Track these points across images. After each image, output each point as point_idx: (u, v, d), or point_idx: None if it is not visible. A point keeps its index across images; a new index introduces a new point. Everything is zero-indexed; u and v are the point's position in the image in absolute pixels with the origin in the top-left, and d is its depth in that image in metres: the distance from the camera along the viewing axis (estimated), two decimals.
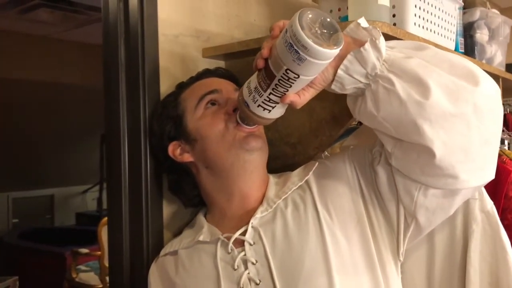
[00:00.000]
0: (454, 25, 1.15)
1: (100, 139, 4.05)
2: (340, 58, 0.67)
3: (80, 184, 4.64)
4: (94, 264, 3.22)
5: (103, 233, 2.90)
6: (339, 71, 0.68)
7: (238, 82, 0.91)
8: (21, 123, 4.16)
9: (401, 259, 0.80)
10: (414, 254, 0.92)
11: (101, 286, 3.03)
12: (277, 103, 0.71)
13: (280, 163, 0.97)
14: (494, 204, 0.92)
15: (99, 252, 2.99)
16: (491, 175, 0.69)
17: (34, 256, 3.52)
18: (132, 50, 0.97)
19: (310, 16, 0.62)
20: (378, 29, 0.67)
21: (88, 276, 3.18)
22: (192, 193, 0.91)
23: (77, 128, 4.48)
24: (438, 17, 1.07)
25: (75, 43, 4.26)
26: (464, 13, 1.30)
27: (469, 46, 1.34)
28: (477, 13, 1.33)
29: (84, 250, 3.14)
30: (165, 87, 0.98)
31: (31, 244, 3.66)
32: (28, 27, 3.88)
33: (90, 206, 4.69)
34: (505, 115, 1.82)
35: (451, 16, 1.13)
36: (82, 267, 3.23)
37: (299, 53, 0.61)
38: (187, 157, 0.87)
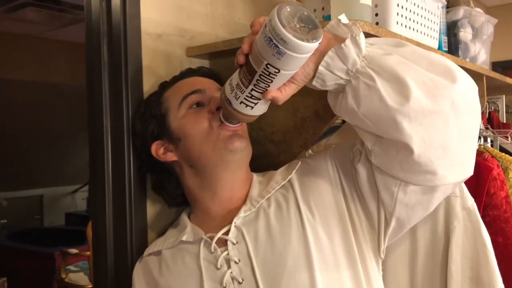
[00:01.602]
0: (437, 24, 1.16)
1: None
2: (321, 54, 0.67)
3: (70, 184, 4.61)
4: (84, 264, 3.21)
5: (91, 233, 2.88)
6: (320, 67, 0.68)
7: (222, 81, 0.91)
8: (8, 123, 4.12)
9: (382, 256, 0.81)
10: (397, 250, 0.93)
11: (90, 286, 3.01)
12: (259, 99, 0.71)
13: (264, 162, 0.97)
14: (476, 201, 0.93)
15: (89, 253, 2.98)
16: (470, 171, 0.70)
17: (23, 256, 3.48)
18: (115, 49, 0.96)
19: (288, 10, 0.63)
20: (358, 25, 0.68)
21: (78, 276, 3.16)
22: (176, 193, 0.91)
23: (66, 127, 4.45)
24: (421, 16, 1.08)
25: (62, 42, 4.23)
26: (447, 11, 1.31)
27: (453, 45, 1.35)
28: (460, 11, 1.35)
29: (74, 251, 3.11)
30: (149, 86, 0.98)
31: (20, 245, 3.63)
32: (15, 26, 3.84)
33: (80, 206, 4.66)
34: (489, 113, 1.84)
35: (434, 15, 1.14)
36: (72, 268, 3.21)
37: (278, 47, 0.62)
38: (171, 157, 0.87)
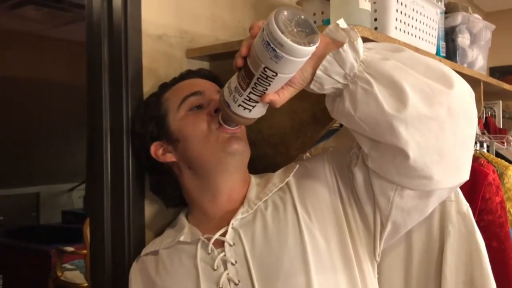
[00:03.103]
0: (435, 30, 1.17)
1: (87, 137, 3.99)
2: (319, 59, 0.68)
3: (67, 182, 4.60)
4: (80, 262, 3.20)
5: (89, 232, 2.88)
6: (318, 71, 0.69)
7: (221, 83, 0.91)
8: (6, 120, 4.12)
9: (378, 259, 0.81)
10: (392, 253, 0.94)
11: (86, 284, 3.01)
12: (257, 102, 0.72)
13: (262, 164, 0.98)
14: (471, 205, 0.94)
15: (85, 251, 2.97)
16: (465, 176, 0.71)
17: (19, 254, 3.47)
18: (115, 49, 0.96)
19: (286, 14, 0.63)
20: (356, 30, 0.69)
21: (74, 274, 3.15)
22: (174, 194, 0.91)
23: (64, 125, 4.44)
24: (420, 22, 1.09)
25: (62, 40, 4.22)
26: (446, 17, 1.32)
27: (451, 50, 1.36)
28: (459, 17, 1.36)
29: (70, 249, 3.11)
30: (148, 87, 0.98)
31: (16, 242, 3.62)
32: (15, 24, 3.84)
33: (77, 204, 4.65)
34: (486, 118, 1.85)
35: (433, 21, 1.15)
36: (68, 266, 3.20)
37: (276, 51, 0.62)
38: (170, 157, 0.87)
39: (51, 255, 3.22)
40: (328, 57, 0.68)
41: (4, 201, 4.22)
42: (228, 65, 1.06)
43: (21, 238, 3.70)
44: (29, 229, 4.06)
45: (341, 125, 1.15)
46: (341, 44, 0.68)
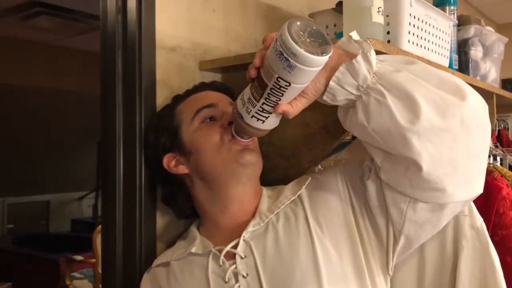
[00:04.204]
0: (448, 42, 1.17)
1: (97, 146, 4.04)
2: (332, 70, 0.68)
3: (76, 191, 4.63)
4: (88, 271, 3.20)
5: (98, 241, 2.89)
6: (331, 82, 0.69)
7: (234, 96, 0.92)
8: (18, 129, 4.17)
9: (390, 273, 0.81)
10: (405, 268, 0.93)
11: None
12: (270, 113, 0.72)
13: (274, 176, 0.98)
14: (485, 220, 0.93)
15: (94, 260, 2.98)
16: (479, 190, 0.70)
17: (28, 262, 3.49)
18: (129, 61, 0.98)
19: (298, 25, 0.64)
20: (368, 42, 0.69)
21: (82, 283, 3.15)
22: (186, 205, 0.92)
23: (75, 134, 4.48)
24: (432, 34, 1.09)
25: (75, 50, 4.28)
26: (458, 30, 1.32)
27: (463, 63, 1.36)
28: (471, 30, 1.36)
29: (79, 257, 3.12)
30: (162, 99, 0.99)
31: (26, 250, 3.64)
32: (29, 34, 3.90)
33: (86, 212, 4.68)
34: (499, 131, 1.83)
35: (445, 33, 1.15)
36: (76, 274, 3.20)
37: (289, 60, 0.63)
38: (182, 169, 0.88)
39: (60, 264, 3.23)
40: (341, 68, 0.68)
41: (14, 208, 4.26)
42: (240, 77, 1.07)
43: (31, 246, 3.72)
44: (38, 237, 4.09)
45: (353, 138, 1.14)
46: (354, 56, 0.68)
